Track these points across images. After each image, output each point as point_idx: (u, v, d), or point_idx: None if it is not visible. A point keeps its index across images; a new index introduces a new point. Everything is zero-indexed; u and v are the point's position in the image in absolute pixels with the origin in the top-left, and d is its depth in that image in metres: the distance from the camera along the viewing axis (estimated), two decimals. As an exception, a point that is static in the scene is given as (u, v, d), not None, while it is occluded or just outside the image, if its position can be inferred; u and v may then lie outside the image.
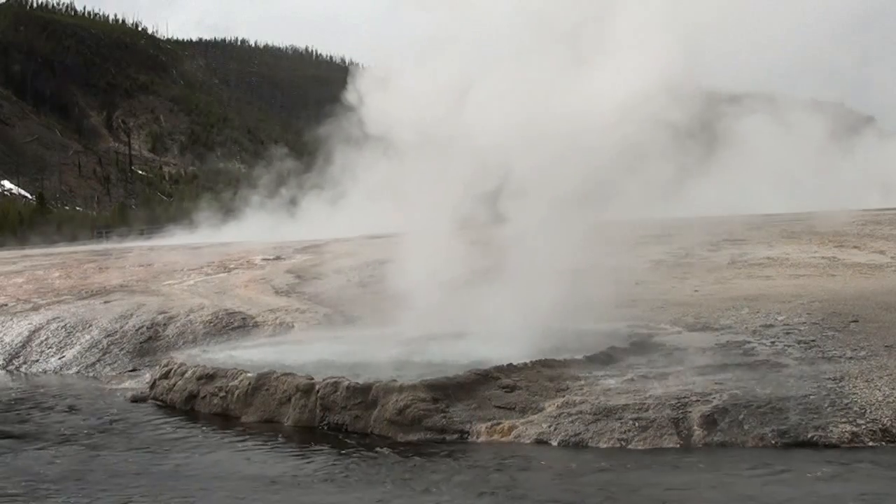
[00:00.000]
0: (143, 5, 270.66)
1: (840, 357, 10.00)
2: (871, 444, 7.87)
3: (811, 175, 40.74)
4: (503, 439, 8.72)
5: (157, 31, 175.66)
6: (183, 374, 11.37)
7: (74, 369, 14.70)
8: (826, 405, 8.41)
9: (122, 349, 15.06)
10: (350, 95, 14.13)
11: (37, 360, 15.28)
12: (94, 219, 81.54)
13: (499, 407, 9.18)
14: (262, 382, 10.32)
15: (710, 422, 8.32)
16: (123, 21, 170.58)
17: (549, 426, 8.68)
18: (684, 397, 8.76)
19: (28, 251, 39.34)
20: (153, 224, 61.61)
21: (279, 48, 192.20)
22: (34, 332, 16.26)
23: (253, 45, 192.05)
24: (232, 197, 56.41)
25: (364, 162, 17.10)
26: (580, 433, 8.48)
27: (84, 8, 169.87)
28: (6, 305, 18.50)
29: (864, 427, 8.03)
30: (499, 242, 12.65)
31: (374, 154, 15.43)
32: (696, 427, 8.31)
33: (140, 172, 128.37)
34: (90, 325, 16.07)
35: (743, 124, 41.07)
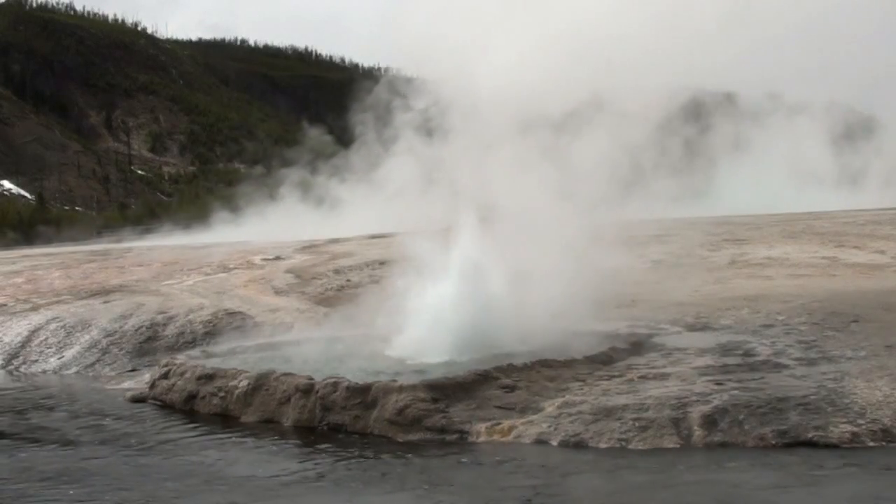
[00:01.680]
0: (143, 5, 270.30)
1: (840, 357, 9.99)
2: (871, 444, 7.86)
3: (831, 174, 41.09)
4: (503, 439, 8.71)
5: (156, 31, 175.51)
6: (182, 374, 11.36)
7: (74, 369, 14.69)
8: (826, 405, 8.40)
9: (121, 349, 15.05)
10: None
11: (36, 360, 15.27)
12: (93, 217, 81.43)
13: (499, 407, 9.17)
14: (262, 382, 10.31)
15: (710, 422, 8.31)
16: (123, 21, 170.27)
17: (549, 426, 8.67)
18: (684, 397, 8.75)
19: (28, 251, 39.32)
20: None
21: (279, 48, 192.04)
22: (34, 332, 16.24)
23: (253, 44, 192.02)
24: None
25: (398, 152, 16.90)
26: (580, 433, 8.47)
27: (84, 8, 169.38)
28: (5, 305, 18.48)
29: (864, 427, 8.02)
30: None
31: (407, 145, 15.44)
32: (696, 427, 8.30)
33: (140, 172, 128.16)
34: (90, 325, 16.05)
35: (758, 124, 41.45)
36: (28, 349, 15.69)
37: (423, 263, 12.28)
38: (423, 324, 11.67)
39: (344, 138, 35.19)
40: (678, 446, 8.14)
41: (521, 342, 11.25)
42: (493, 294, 11.71)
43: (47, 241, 54.96)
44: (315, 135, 51.69)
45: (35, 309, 17.74)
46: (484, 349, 11.03)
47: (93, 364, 14.74)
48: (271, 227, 39.30)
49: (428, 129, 14.38)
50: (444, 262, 12.06)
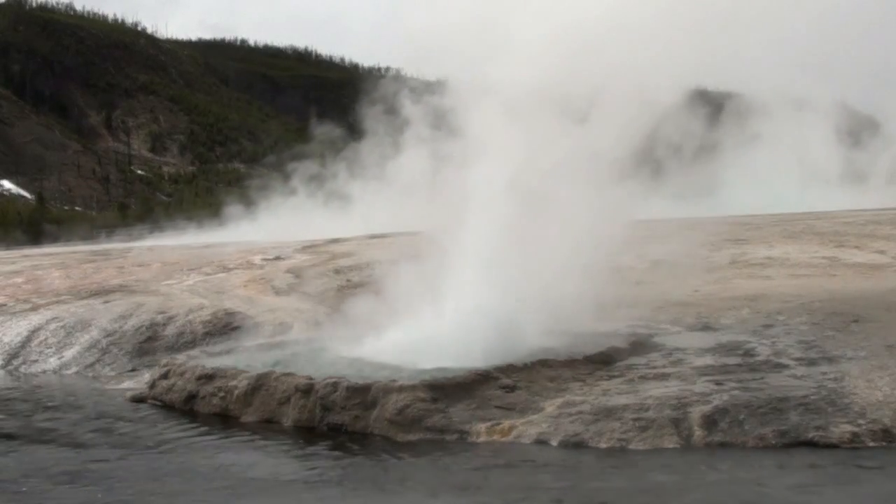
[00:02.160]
0: (144, 5, 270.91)
1: (840, 357, 9.99)
2: (871, 444, 7.85)
3: (838, 173, 41.15)
4: (503, 439, 8.70)
5: (156, 31, 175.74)
6: (182, 374, 11.36)
7: (74, 369, 14.69)
8: (826, 405, 8.40)
9: (121, 349, 15.05)
10: None
11: (36, 360, 15.26)
12: (93, 217, 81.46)
13: (499, 407, 9.17)
14: (262, 382, 10.30)
15: (710, 422, 8.31)
16: (123, 21, 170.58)
17: (549, 426, 8.66)
18: (684, 397, 8.75)
19: (28, 251, 39.32)
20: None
21: (279, 48, 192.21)
22: (33, 331, 16.23)
23: (252, 44, 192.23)
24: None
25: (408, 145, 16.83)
26: (580, 433, 8.47)
27: (83, 7, 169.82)
28: (5, 305, 18.46)
29: (864, 427, 8.02)
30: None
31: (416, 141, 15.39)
32: (696, 427, 8.29)
33: (139, 172, 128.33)
34: (89, 325, 16.05)
35: (765, 123, 41.50)
36: (28, 349, 15.68)
37: (425, 262, 12.26)
38: (422, 326, 11.63)
39: (350, 136, 34.99)
40: (678, 446, 8.14)
41: (523, 342, 11.19)
42: (502, 296, 11.64)
43: (54, 240, 55.08)
44: (324, 131, 51.06)
45: (35, 309, 17.73)
46: (487, 352, 10.94)
47: (93, 364, 14.73)
48: (284, 223, 39.16)
49: (436, 126, 14.36)
50: (450, 263, 12.02)
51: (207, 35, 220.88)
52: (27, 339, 15.99)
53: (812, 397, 8.56)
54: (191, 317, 15.80)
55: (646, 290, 15.19)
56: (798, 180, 40.54)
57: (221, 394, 10.63)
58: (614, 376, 9.84)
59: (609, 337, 11.72)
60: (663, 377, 9.64)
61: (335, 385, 9.66)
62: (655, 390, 9.08)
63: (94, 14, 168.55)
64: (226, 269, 21.18)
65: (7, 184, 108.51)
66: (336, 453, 8.65)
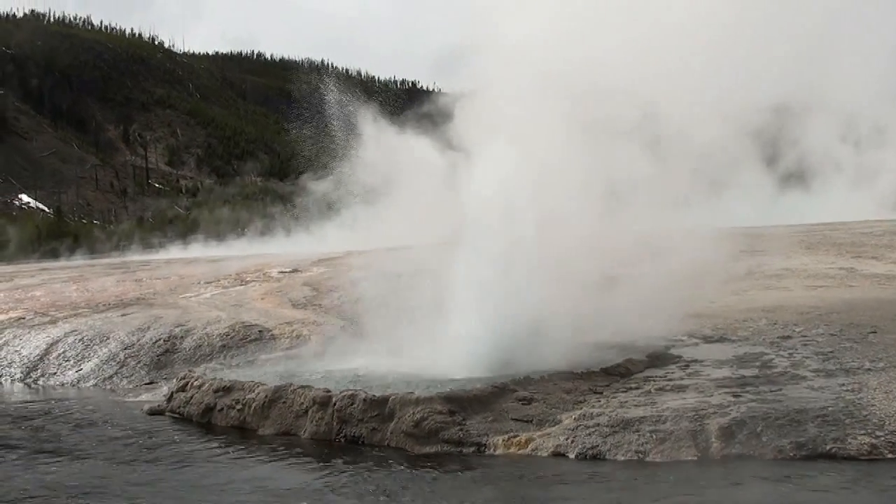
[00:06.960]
0: (165, 18, 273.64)
1: (858, 368, 9.94)
2: (890, 456, 7.80)
3: None
4: (520, 452, 8.69)
5: (173, 45, 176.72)
6: (200, 386, 11.40)
7: (91, 382, 14.77)
8: (844, 417, 8.35)
9: (139, 362, 15.12)
10: None
11: (54, 373, 15.35)
12: (110, 232, 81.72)
13: (516, 419, 9.16)
14: (279, 395, 10.33)
15: (727, 434, 8.28)
16: (140, 35, 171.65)
17: (567, 438, 8.65)
18: (702, 409, 8.72)
19: (46, 264, 39.55)
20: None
21: (295, 61, 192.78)
22: (52, 344, 16.34)
23: (269, 57, 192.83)
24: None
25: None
26: (598, 445, 8.45)
27: (101, 22, 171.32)
28: (24, 319, 18.60)
29: (883, 439, 7.97)
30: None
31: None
32: (713, 439, 8.26)
33: (157, 186, 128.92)
34: (107, 338, 16.14)
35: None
36: (46, 362, 15.78)
37: (442, 275, 12.26)
38: (441, 339, 11.62)
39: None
40: (696, 458, 8.11)
41: (540, 355, 11.16)
42: (517, 308, 11.59)
43: (72, 254, 55.31)
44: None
45: (53, 322, 17.85)
46: (504, 364, 10.92)
47: (110, 377, 14.81)
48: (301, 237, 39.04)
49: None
50: (465, 275, 12.00)
51: (230, 48, 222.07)
52: (45, 352, 16.10)
53: (830, 409, 8.52)
54: (208, 329, 15.86)
55: (662, 301, 15.13)
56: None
57: (239, 406, 10.66)
58: (631, 388, 9.82)
59: (625, 349, 11.70)
60: (680, 389, 9.61)
61: (352, 397, 9.68)
62: (673, 402, 9.06)
63: (112, 28, 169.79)
64: (243, 282, 21.26)
65: (26, 197, 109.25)
66: (353, 466, 8.65)
